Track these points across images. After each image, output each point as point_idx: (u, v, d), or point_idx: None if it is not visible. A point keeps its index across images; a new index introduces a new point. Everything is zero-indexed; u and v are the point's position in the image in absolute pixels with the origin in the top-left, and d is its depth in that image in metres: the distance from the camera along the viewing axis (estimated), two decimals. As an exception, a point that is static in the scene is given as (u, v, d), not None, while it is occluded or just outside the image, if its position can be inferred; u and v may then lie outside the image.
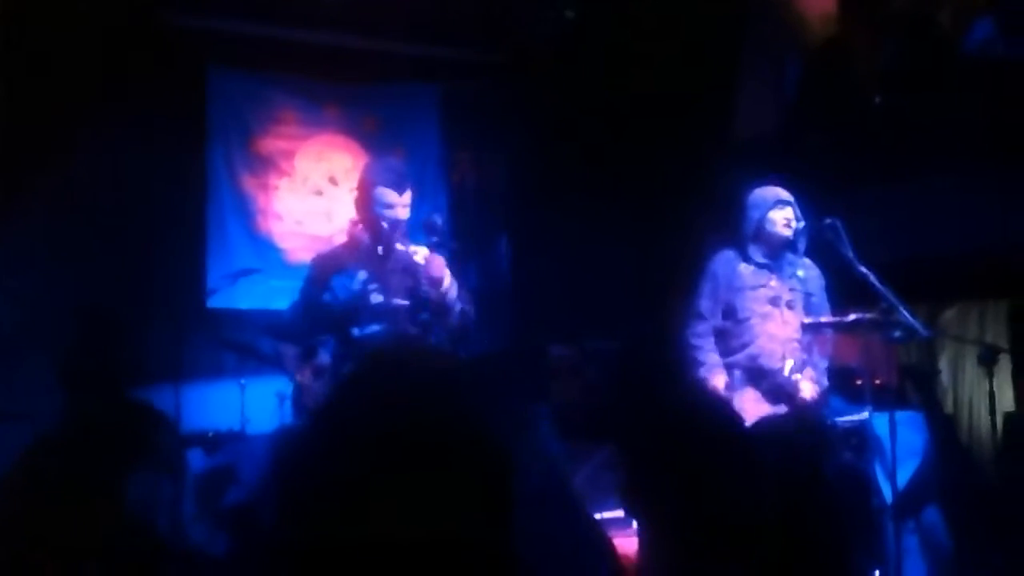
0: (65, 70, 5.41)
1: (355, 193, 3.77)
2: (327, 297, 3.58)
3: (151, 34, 5.82)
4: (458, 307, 3.68)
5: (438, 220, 3.81)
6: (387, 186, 3.65)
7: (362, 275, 3.62)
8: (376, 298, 3.61)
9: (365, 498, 0.79)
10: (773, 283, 4.14)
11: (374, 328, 3.57)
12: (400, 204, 3.66)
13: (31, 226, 5.40)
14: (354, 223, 3.76)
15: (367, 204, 3.68)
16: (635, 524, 1.48)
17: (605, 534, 1.54)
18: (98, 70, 5.52)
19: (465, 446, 0.81)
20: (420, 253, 3.69)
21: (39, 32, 5.28)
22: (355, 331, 3.57)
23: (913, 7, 5.10)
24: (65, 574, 1.70)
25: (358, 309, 3.59)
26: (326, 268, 3.68)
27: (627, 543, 1.60)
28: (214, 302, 5.83)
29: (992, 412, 4.18)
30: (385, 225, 3.63)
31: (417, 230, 3.86)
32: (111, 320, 5.53)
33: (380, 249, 3.68)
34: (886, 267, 3.86)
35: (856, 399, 4.24)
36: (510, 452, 0.81)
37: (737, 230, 4.24)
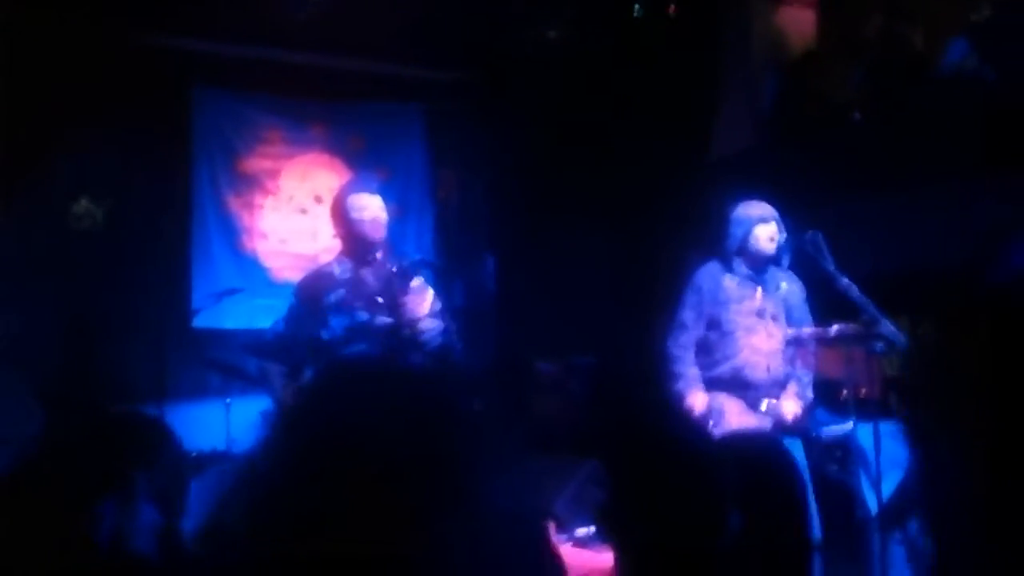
0: (50, 90, 5.42)
1: (331, 212, 3.81)
2: (324, 335, 3.60)
3: (136, 54, 5.83)
4: (441, 326, 3.69)
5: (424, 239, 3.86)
6: (358, 192, 3.72)
7: (361, 313, 3.63)
8: (360, 315, 3.63)
9: (308, 512, 0.80)
10: (758, 296, 4.17)
11: (359, 347, 3.58)
12: (374, 205, 3.70)
13: (15, 245, 5.38)
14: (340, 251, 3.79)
15: (343, 215, 3.72)
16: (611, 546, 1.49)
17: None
18: (83, 90, 5.53)
19: (413, 462, 0.81)
20: (403, 272, 3.70)
21: (24, 53, 5.28)
22: (341, 350, 3.58)
23: (888, 28, 5.17)
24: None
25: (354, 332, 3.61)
26: (315, 290, 3.70)
27: (607, 559, 1.61)
28: (199, 322, 5.81)
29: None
30: (365, 228, 3.67)
31: (402, 248, 3.89)
32: (94, 339, 5.51)
33: (365, 264, 3.70)
34: (867, 279, 3.90)
35: (840, 411, 4.26)
36: (464, 470, 0.82)
37: (721, 245, 4.27)
